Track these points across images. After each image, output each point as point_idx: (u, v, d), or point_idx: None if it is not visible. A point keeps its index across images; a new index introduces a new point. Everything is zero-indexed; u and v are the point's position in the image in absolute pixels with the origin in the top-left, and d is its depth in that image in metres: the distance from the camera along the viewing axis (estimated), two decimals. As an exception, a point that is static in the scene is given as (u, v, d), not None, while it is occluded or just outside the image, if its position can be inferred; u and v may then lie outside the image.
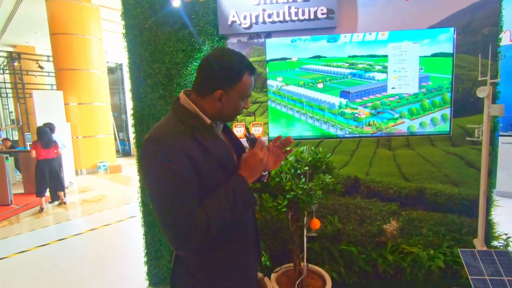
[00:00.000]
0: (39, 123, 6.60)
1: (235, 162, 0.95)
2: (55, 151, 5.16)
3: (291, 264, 2.07)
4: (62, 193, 5.40)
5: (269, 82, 2.21)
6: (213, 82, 0.87)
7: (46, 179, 5.03)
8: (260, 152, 0.90)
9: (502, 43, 2.21)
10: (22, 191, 6.33)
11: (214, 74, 0.87)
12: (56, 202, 5.47)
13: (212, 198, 0.83)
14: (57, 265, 3.09)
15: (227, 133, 1.06)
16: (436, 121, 2.17)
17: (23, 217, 4.84)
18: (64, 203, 5.44)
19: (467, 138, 2.18)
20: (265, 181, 1.17)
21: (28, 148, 6.39)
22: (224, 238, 0.91)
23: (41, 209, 5.06)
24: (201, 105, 0.90)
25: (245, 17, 2.23)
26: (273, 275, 2.08)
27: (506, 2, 2.16)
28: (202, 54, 2.30)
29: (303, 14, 2.20)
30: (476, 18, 2.16)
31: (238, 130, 2.29)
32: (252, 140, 0.94)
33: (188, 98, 0.91)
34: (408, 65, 2.13)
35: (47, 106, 6.94)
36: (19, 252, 3.44)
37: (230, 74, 0.86)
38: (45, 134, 5.01)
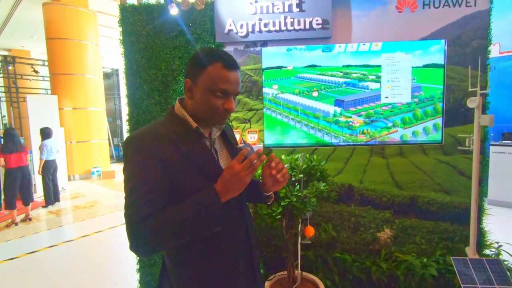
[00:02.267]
0: (33, 127, 6.54)
1: (219, 169, 0.88)
2: (26, 157, 4.62)
3: (285, 272, 2.06)
4: (29, 206, 4.79)
5: (264, 90, 2.23)
6: (186, 72, 0.89)
7: (16, 190, 4.51)
8: (237, 165, 0.77)
9: (491, 55, 2.27)
10: (12, 196, 6.22)
11: (187, 65, 0.89)
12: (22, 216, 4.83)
13: (176, 207, 0.78)
14: (47, 272, 3.02)
15: (227, 141, 1.02)
16: (428, 130, 2.21)
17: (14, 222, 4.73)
18: (29, 219, 4.79)
19: (459, 147, 2.22)
20: (269, 203, 1.07)
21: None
22: (203, 251, 0.87)
23: (16, 224, 4.59)
24: (185, 105, 0.90)
25: (241, 26, 2.27)
26: (267, 283, 2.07)
27: (495, 16, 2.23)
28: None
29: (298, 24, 2.24)
30: (466, 31, 2.23)
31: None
32: (238, 150, 0.88)
33: (181, 104, 0.92)
34: (401, 75, 2.18)
35: (41, 111, 6.89)
36: (8, 259, 3.36)
37: (196, 61, 0.85)
38: (14, 137, 4.49)
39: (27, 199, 4.69)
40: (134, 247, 0.77)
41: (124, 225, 0.79)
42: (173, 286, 0.90)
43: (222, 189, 0.78)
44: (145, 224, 0.75)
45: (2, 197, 4.58)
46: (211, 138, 0.94)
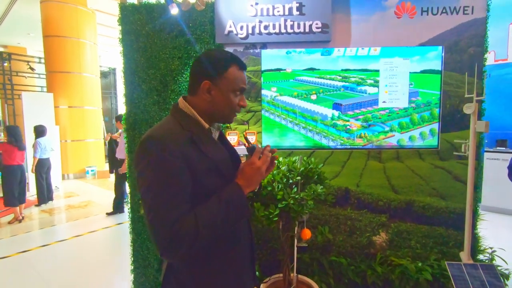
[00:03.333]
0: (27, 125, 6.47)
1: (231, 168, 0.93)
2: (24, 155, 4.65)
3: (281, 275, 2.05)
4: (23, 206, 4.74)
5: (263, 92, 2.24)
6: (200, 73, 0.89)
7: (17, 187, 4.50)
8: (257, 161, 0.88)
9: (487, 63, 2.31)
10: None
11: (202, 66, 0.89)
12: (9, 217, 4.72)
13: (205, 204, 0.80)
14: (39, 272, 2.98)
15: (223, 141, 1.05)
16: (424, 135, 2.23)
17: (5, 222, 4.67)
18: (20, 220, 4.63)
19: (454, 153, 2.24)
20: (255, 190, 1.16)
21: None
22: (217, 253, 0.89)
23: (19, 220, 4.58)
24: (195, 105, 0.91)
25: (241, 28, 2.27)
26: (262, 286, 2.06)
27: (490, 24, 2.26)
28: (198, 62, 2.32)
29: (298, 27, 2.25)
30: (463, 38, 2.26)
31: (232, 138, 2.30)
32: (251, 149, 0.93)
33: (186, 102, 0.92)
34: (398, 80, 2.20)
35: (36, 108, 6.82)
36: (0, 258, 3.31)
37: (215, 63, 0.88)
38: (19, 133, 4.50)
39: (20, 198, 4.62)
40: (170, 251, 0.74)
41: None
42: (181, 285, 0.89)
43: (245, 183, 0.87)
44: (182, 226, 0.74)
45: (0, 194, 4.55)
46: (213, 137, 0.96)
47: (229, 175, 0.90)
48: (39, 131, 5.22)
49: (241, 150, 2.23)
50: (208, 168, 0.85)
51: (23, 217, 4.72)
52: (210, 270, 0.89)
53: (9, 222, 4.56)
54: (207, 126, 0.90)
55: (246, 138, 1.01)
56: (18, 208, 4.59)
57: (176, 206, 0.76)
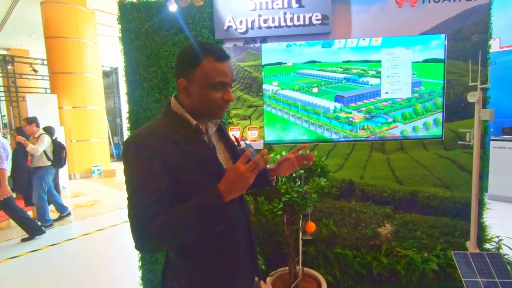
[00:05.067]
0: (32, 126, 6.51)
1: (219, 166, 0.90)
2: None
3: (286, 268, 2.07)
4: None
5: (264, 86, 2.23)
6: (177, 72, 0.87)
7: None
8: (242, 166, 0.79)
9: (492, 50, 2.27)
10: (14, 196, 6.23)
11: (176, 64, 0.87)
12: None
13: (180, 207, 0.79)
14: (49, 270, 3.04)
15: (223, 137, 1.03)
16: (428, 125, 2.21)
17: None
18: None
19: (459, 142, 2.22)
20: (273, 184, 1.16)
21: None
22: (209, 245, 0.89)
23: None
24: (182, 103, 0.89)
25: (241, 22, 2.26)
26: (268, 279, 2.08)
27: (495, 10, 2.22)
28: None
29: (298, 20, 2.23)
30: (466, 25, 2.22)
31: (234, 134, 2.30)
32: (242, 152, 0.88)
33: (177, 101, 0.91)
34: (401, 71, 2.17)
35: (40, 110, 6.87)
36: (10, 258, 3.37)
37: (187, 59, 0.85)
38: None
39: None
40: (139, 246, 0.78)
41: (128, 224, 0.79)
42: (179, 280, 0.91)
43: (226, 189, 0.79)
44: (150, 224, 0.75)
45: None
46: (208, 134, 0.95)
47: (217, 173, 0.86)
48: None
49: (255, 145, 2.23)
50: (191, 167, 0.83)
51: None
52: (204, 263, 0.90)
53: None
54: (194, 122, 0.88)
55: (237, 139, 0.97)
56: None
57: (148, 206, 0.77)
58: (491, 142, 4.45)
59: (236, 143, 0.96)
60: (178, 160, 0.81)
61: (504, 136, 4.53)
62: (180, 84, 0.86)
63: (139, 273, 2.50)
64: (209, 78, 0.83)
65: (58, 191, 5.75)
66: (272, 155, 1.96)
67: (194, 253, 0.89)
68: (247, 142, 2.21)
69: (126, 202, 0.81)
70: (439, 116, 2.19)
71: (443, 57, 2.13)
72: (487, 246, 2.36)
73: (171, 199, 0.81)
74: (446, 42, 2.11)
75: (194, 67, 0.83)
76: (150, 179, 0.78)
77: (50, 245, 3.70)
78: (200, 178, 0.84)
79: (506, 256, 2.16)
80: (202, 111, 0.88)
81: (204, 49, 0.83)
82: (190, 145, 0.85)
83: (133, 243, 0.79)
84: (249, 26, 2.26)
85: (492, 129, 4.75)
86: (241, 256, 0.97)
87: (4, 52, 11.41)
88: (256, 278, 1.23)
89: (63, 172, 6.89)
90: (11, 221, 4.77)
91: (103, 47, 10.79)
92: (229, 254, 0.93)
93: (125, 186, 0.82)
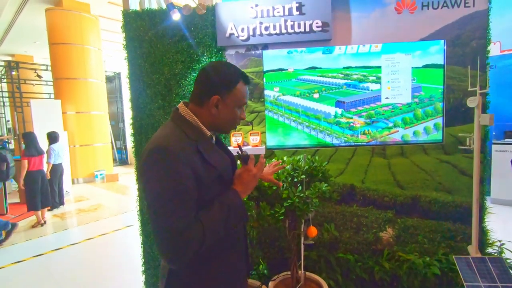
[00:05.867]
0: (36, 132, 6.60)
1: (231, 174, 0.98)
2: (43, 160, 4.79)
3: (289, 272, 2.08)
4: (45, 210, 4.92)
5: (266, 92, 2.26)
6: (210, 88, 0.91)
7: (38, 192, 4.65)
8: (254, 168, 0.95)
9: (492, 54, 2.29)
10: (17, 200, 6.28)
11: (212, 81, 0.91)
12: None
13: (207, 211, 0.83)
14: (53, 275, 3.06)
15: (220, 146, 1.07)
16: (429, 130, 2.23)
17: (19, 226, 4.78)
18: (42, 224, 4.75)
19: (459, 147, 2.24)
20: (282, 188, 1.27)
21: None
22: (215, 251, 0.92)
23: (42, 224, 4.71)
24: (199, 115, 0.92)
25: (242, 30, 2.30)
26: (270, 284, 2.09)
27: (495, 14, 2.24)
28: (200, 65, 2.35)
29: (299, 27, 2.27)
30: (465, 31, 2.25)
31: (236, 139, 2.33)
32: (245, 158, 0.98)
33: (190, 110, 0.93)
34: (401, 76, 2.20)
35: (44, 115, 6.96)
36: (15, 262, 3.40)
37: (226, 80, 0.91)
38: (35, 140, 4.68)
39: (45, 202, 4.81)
40: (175, 258, 0.76)
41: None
42: (182, 285, 0.92)
43: (242, 189, 0.93)
44: (190, 234, 0.76)
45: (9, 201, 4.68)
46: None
47: (230, 181, 0.96)
48: (53, 137, 5.33)
49: (247, 151, 2.26)
50: (211, 176, 0.88)
51: (45, 221, 4.86)
52: (208, 266, 0.92)
53: (33, 226, 4.72)
54: (208, 133, 0.93)
55: (240, 147, 1.05)
56: (40, 212, 4.72)
57: (185, 214, 0.78)
58: (493, 146, 4.44)
59: (239, 151, 1.02)
60: (201, 167, 0.84)
61: (506, 140, 4.52)
62: (213, 100, 0.90)
63: (142, 278, 2.51)
64: (240, 99, 0.94)
65: (62, 196, 5.81)
66: (274, 160, 1.99)
67: (200, 261, 0.90)
68: (243, 148, 2.24)
69: (152, 213, 0.78)
70: (439, 120, 2.21)
71: (442, 63, 2.16)
72: (489, 250, 2.35)
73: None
74: (445, 48, 2.14)
75: (230, 88, 0.92)
76: (183, 187, 0.78)
77: (54, 250, 3.72)
78: (218, 186, 0.90)
79: (508, 261, 2.16)
80: (220, 126, 0.95)
81: (238, 72, 0.94)
82: (209, 153, 0.89)
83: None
84: (251, 33, 2.30)
85: (494, 133, 4.75)
86: (240, 256, 1.03)
87: (9, 58, 11.55)
88: (258, 283, 1.27)
89: (66, 177, 6.95)
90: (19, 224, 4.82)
91: (106, 52, 10.91)
92: (232, 255, 0.98)
93: (145, 197, 0.81)
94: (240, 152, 1.00)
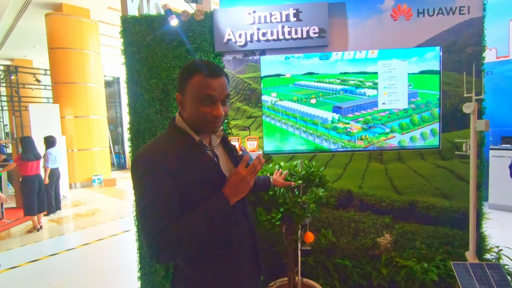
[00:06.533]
0: (34, 136, 6.59)
1: (224, 177, 0.95)
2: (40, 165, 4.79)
3: (286, 279, 2.06)
4: (42, 215, 4.91)
5: (263, 97, 2.27)
6: (177, 88, 0.97)
7: (35, 196, 4.64)
8: (243, 170, 0.89)
9: (488, 60, 2.31)
10: (14, 205, 6.24)
11: (177, 81, 0.95)
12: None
13: (190, 215, 0.84)
14: (48, 281, 3.03)
15: (227, 148, 1.09)
16: (425, 135, 2.24)
17: (15, 231, 4.75)
18: (38, 229, 4.73)
19: (456, 152, 2.25)
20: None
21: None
22: (216, 251, 0.94)
23: (38, 229, 4.68)
24: (184, 118, 0.95)
25: (240, 36, 2.31)
26: (267, 290, 2.07)
27: (491, 21, 2.27)
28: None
29: (296, 33, 2.29)
30: (461, 38, 2.27)
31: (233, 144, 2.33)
32: (241, 158, 0.96)
33: (180, 116, 0.96)
34: (397, 82, 2.22)
35: (43, 119, 6.95)
36: (10, 268, 3.36)
37: (181, 76, 0.91)
38: (32, 144, 4.70)
39: (39, 207, 4.76)
40: (155, 257, 0.81)
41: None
42: (185, 280, 0.95)
43: (231, 192, 0.88)
44: (165, 235, 0.79)
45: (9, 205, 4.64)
46: (212, 146, 1.00)
47: (220, 182, 0.93)
48: (50, 142, 5.31)
49: (254, 155, 2.26)
50: (197, 181, 0.89)
51: (41, 226, 4.81)
52: (212, 269, 0.94)
53: (28, 231, 4.68)
54: (197, 138, 0.93)
55: (234, 148, 1.07)
56: (36, 217, 4.69)
57: (161, 218, 0.81)
58: (490, 151, 4.46)
59: (235, 151, 1.03)
60: (185, 176, 0.86)
61: (503, 145, 4.54)
62: (176, 98, 0.93)
63: (138, 284, 2.49)
64: (197, 92, 0.87)
65: (58, 201, 5.78)
66: (270, 165, 1.99)
67: (202, 260, 0.93)
68: (242, 148, 2.25)
69: (138, 216, 0.85)
70: (436, 126, 2.23)
71: (438, 69, 2.18)
72: (487, 256, 2.35)
73: (181, 211, 0.86)
74: (441, 54, 2.16)
75: (186, 82, 0.89)
76: (162, 192, 0.82)
77: (50, 255, 3.69)
78: (206, 189, 0.89)
79: (506, 267, 2.16)
80: (195, 125, 0.93)
81: (196, 65, 0.88)
82: (195, 161, 0.90)
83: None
84: (248, 39, 2.32)
85: (491, 138, 4.77)
86: (246, 259, 1.02)
87: (8, 63, 11.57)
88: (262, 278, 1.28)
89: (63, 181, 6.91)
90: (11, 230, 4.78)
91: (105, 57, 10.94)
92: (236, 258, 0.98)
93: (133, 200, 0.87)
94: (236, 152, 1.02)
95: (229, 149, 1.09)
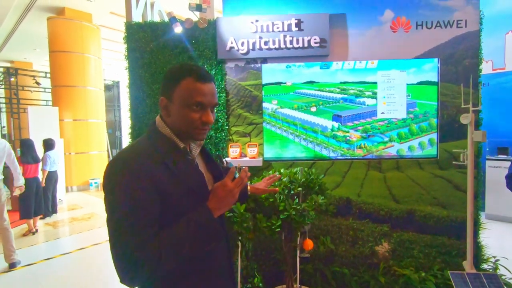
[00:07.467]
0: (33, 138, 6.56)
1: (207, 189, 0.89)
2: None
3: (284, 286, 2.06)
4: (37, 218, 4.80)
5: (264, 104, 2.30)
6: (160, 91, 0.87)
7: (33, 199, 4.55)
8: (230, 182, 0.82)
9: (485, 72, 2.36)
10: (9, 207, 6.18)
11: (161, 84, 0.87)
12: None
13: (171, 229, 0.76)
14: (43, 285, 2.99)
15: (206, 158, 1.01)
16: (423, 145, 2.27)
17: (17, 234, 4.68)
18: (33, 233, 4.62)
19: (453, 162, 2.27)
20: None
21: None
22: (192, 268, 0.86)
23: (33, 233, 4.61)
24: (167, 123, 0.87)
25: (242, 44, 2.35)
26: (265, 297, 2.07)
27: (487, 34, 2.33)
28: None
29: (297, 43, 2.33)
30: (458, 50, 2.32)
31: (234, 151, 2.34)
32: (226, 170, 0.91)
33: (163, 121, 0.88)
34: (396, 92, 2.26)
35: (41, 122, 6.94)
36: (3, 272, 3.32)
37: (168, 79, 0.84)
38: (32, 147, 4.66)
39: (37, 211, 4.71)
40: (128, 279, 0.72)
41: (111, 254, 0.72)
42: None
43: (216, 205, 0.82)
44: (144, 251, 0.71)
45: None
46: (192, 155, 0.91)
47: (205, 195, 0.86)
48: (49, 144, 5.29)
49: (245, 162, 2.27)
50: (181, 190, 0.81)
51: (36, 230, 4.74)
52: (185, 284, 0.86)
53: (24, 235, 4.61)
54: (182, 145, 0.86)
55: (220, 158, 1.00)
56: (32, 220, 4.63)
57: (140, 232, 0.72)
58: (487, 162, 4.50)
59: (220, 162, 0.97)
60: (168, 184, 0.79)
61: (499, 156, 4.59)
62: (161, 103, 0.85)
63: (135, 289, 2.47)
64: (187, 97, 0.81)
65: (55, 204, 5.73)
66: (271, 172, 2.00)
67: (178, 278, 0.85)
68: (228, 159, 2.25)
69: (110, 231, 0.74)
70: (434, 136, 2.26)
71: (436, 80, 2.22)
72: (484, 266, 2.36)
73: (160, 222, 0.78)
74: (439, 66, 2.21)
75: (174, 85, 0.82)
76: (141, 203, 0.74)
77: (44, 259, 3.64)
78: (188, 201, 0.82)
79: (503, 277, 2.17)
80: (182, 131, 0.86)
81: (185, 69, 0.83)
82: (180, 169, 0.83)
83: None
84: (250, 47, 2.36)
85: (488, 149, 4.82)
86: (223, 274, 0.96)
87: (8, 65, 11.59)
88: None
89: (60, 185, 6.87)
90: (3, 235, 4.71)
91: (105, 61, 10.99)
92: (213, 274, 0.91)
93: (110, 212, 0.76)
94: (221, 163, 0.96)
95: (208, 160, 1.01)
